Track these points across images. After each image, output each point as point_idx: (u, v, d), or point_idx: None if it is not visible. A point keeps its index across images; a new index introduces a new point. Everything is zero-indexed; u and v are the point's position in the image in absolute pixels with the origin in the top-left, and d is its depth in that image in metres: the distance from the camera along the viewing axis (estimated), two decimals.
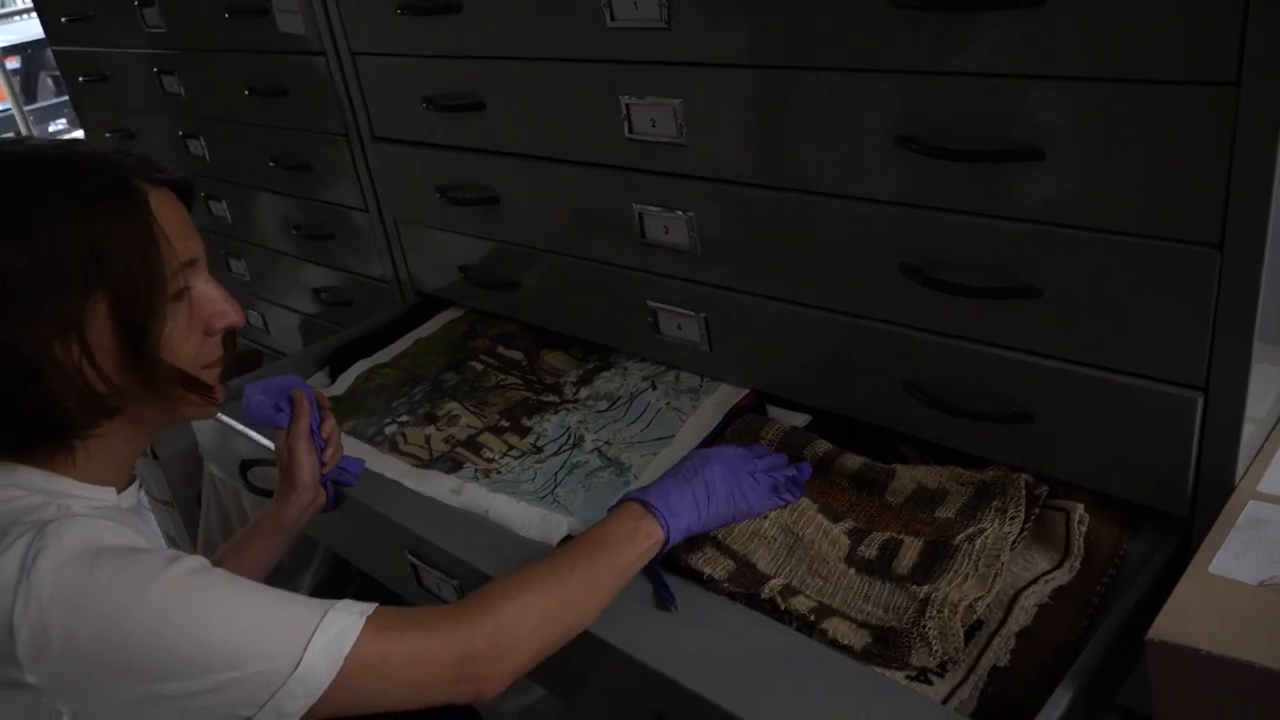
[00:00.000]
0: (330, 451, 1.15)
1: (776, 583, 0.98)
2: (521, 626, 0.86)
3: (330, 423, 1.16)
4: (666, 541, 0.97)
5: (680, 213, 1.20)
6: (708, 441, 1.21)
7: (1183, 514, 0.95)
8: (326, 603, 0.80)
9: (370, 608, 0.81)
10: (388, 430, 1.36)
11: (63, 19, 2.21)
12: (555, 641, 0.89)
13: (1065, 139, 0.87)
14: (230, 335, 0.92)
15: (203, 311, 0.88)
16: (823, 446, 1.15)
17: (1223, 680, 0.72)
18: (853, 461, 1.13)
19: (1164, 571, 0.93)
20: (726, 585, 1.00)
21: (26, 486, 0.79)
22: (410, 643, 0.81)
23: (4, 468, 0.80)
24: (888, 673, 0.90)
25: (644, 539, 0.95)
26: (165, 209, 0.84)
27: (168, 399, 0.84)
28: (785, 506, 1.06)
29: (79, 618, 0.71)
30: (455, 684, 0.83)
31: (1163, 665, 0.75)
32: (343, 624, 0.78)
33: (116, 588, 0.72)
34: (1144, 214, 0.85)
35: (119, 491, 0.87)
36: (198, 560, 0.78)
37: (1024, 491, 1.01)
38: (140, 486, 0.93)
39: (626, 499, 1.00)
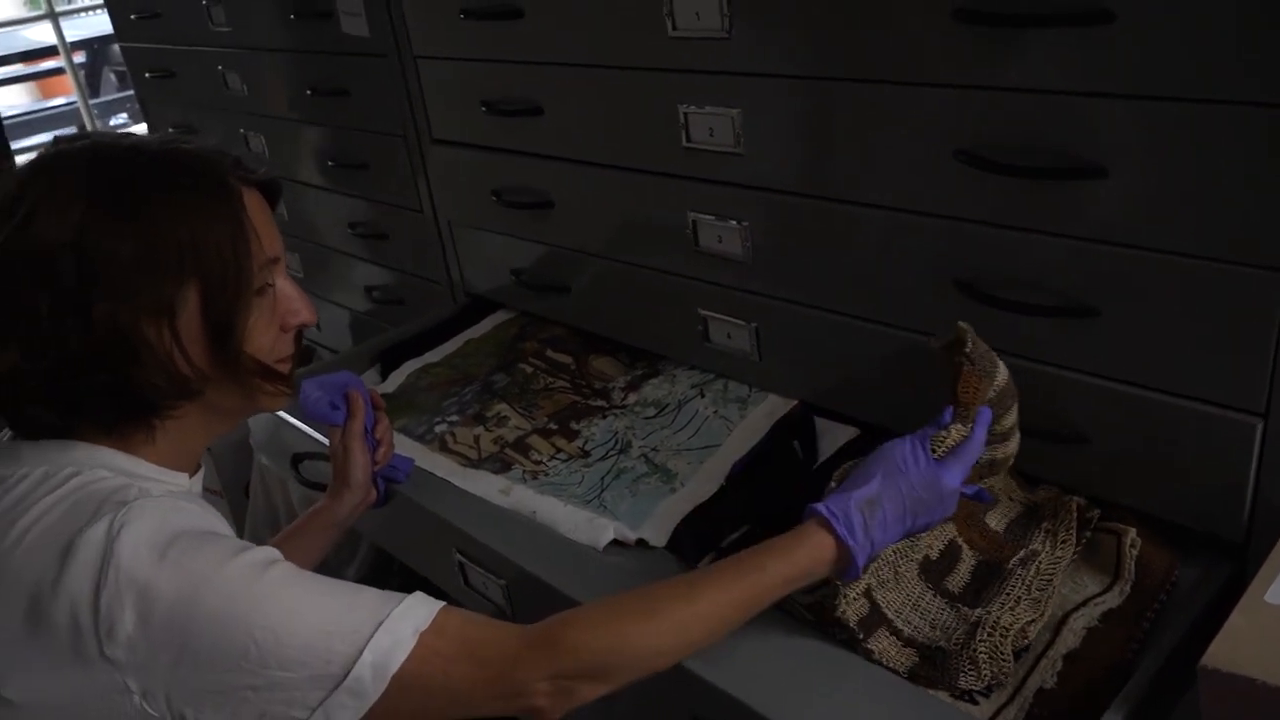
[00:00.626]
0: (383, 450, 1.17)
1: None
2: (615, 668, 0.82)
3: (384, 423, 1.18)
4: (845, 570, 0.88)
5: (734, 222, 1.20)
6: (752, 454, 1.21)
7: (1238, 540, 0.94)
8: (389, 604, 0.78)
9: (428, 619, 0.79)
10: (438, 429, 1.38)
11: (132, 15, 2.26)
12: (658, 664, 0.84)
13: (1128, 157, 0.86)
14: (299, 332, 0.95)
15: (281, 308, 0.91)
16: None
17: (1277, 711, 0.71)
18: None
19: (1217, 598, 0.92)
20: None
21: (111, 468, 0.82)
22: (457, 676, 0.79)
23: (90, 448, 0.83)
24: (932, 691, 0.90)
25: (820, 570, 0.87)
26: (255, 207, 0.88)
27: (246, 388, 0.87)
28: None
29: (149, 599, 0.72)
30: (505, 708, 0.82)
31: (1215, 694, 0.74)
32: (398, 635, 0.77)
33: (188, 574, 0.74)
34: (1206, 236, 0.85)
35: (190, 477, 0.90)
36: (268, 552, 0.79)
37: (1075, 516, 1.00)
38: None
39: (829, 514, 0.86)
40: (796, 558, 0.86)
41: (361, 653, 0.76)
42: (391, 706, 0.77)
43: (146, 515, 0.76)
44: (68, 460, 0.81)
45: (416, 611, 0.79)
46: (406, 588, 0.84)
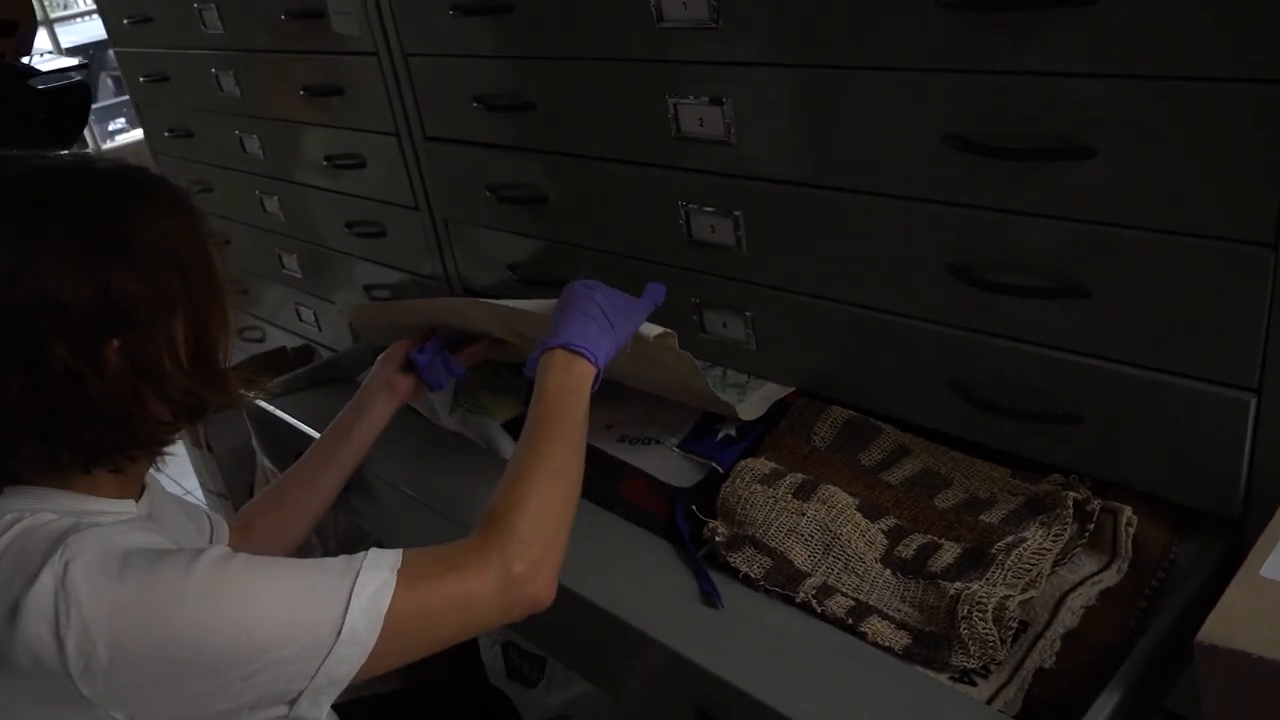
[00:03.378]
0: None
1: (813, 582, 0.99)
2: (543, 528, 0.88)
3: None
4: (598, 375, 1.02)
5: (727, 212, 1.20)
6: (759, 436, 1.22)
7: (1234, 517, 0.94)
8: (355, 561, 0.81)
9: (397, 559, 0.82)
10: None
11: (125, 20, 2.26)
12: (570, 519, 0.93)
13: (1116, 137, 0.86)
14: None
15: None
16: (889, 440, 1.16)
17: (1273, 685, 0.72)
18: (913, 465, 1.13)
19: (1214, 575, 0.92)
20: (763, 584, 1.00)
21: (57, 509, 0.80)
22: (448, 588, 0.82)
23: (33, 491, 0.81)
24: (931, 673, 0.90)
25: (583, 382, 1.00)
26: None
27: (225, 401, 0.87)
28: (823, 504, 1.06)
29: (121, 625, 0.71)
30: (507, 609, 0.85)
31: (1212, 669, 0.74)
32: (376, 582, 0.79)
33: (152, 589, 0.73)
34: (1196, 213, 0.85)
35: (136, 501, 0.89)
36: (220, 550, 0.79)
37: (1071, 509, 1.00)
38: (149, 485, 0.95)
39: (545, 349, 1.02)
40: (574, 378, 0.99)
41: (348, 605, 0.77)
42: (393, 645, 0.78)
43: (88, 543, 0.74)
44: (8, 507, 0.79)
45: (384, 557, 0.82)
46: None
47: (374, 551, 0.83)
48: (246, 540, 1.15)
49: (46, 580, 0.72)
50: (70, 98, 1.00)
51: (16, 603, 0.71)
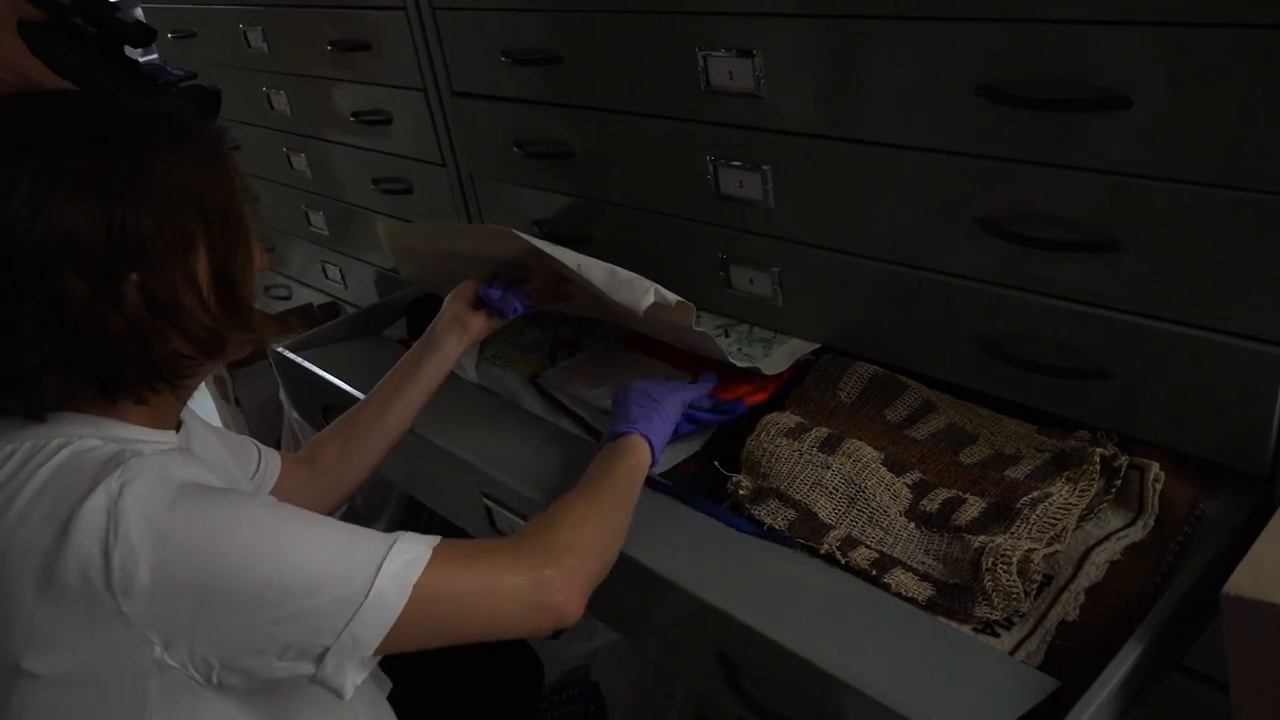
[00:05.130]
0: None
1: (837, 534, 0.99)
2: (581, 543, 0.90)
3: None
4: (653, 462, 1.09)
5: (755, 167, 1.20)
6: (785, 390, 1.23)
7: (1263, 473, 0.94)
8: (394, 535, 0.82)
9: (435, 539, 0.84)
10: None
11: None
12: (610, 555, 0.94)
13: (1152, 87, 0.85)
14: None
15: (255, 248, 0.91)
16: (915, 396, 1.16)
17: None
18: (939, 420, 1.13)
19: (1242, 530, 0.92)
20: (788, 534, 1.01)
21: (101, 435, 0.82)
22: (479, 573, 0.84)
23: (76, 418, 0.82)
24: (954, 624, 0.91)
25: (641, 469, 1.05)
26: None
27: (249, 338, 0.89)
28: (848, 458, 1.06)
29: (165, 549, 0.73)
30: (533, 609, 0.85)
31: (1237, 621, 0.75)
32: (410, 554, 0.80)
33: (199, 520, 0.75)
34: (1231, 165, 0.84)
35: (176, 433, 0.91)
36: (268, 498, 0.82)
37: (1098, 465, 0.99)
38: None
39: (622, 434, 1.08)
40: (634, 466, 1.04)
41: (381, 566, 0.78)
42: (418, 620, 0.79)
43: (146, 470, 0.76)
44: (54, 432, 0.81)
45: (423, 537, 0.83)
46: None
47: (414, 534, 0.84)
48: (309, 472, 1.16)
49: (100, 498, 0.74)
50: (208, 101, 1.02)
51: (69, 519, 0.74)
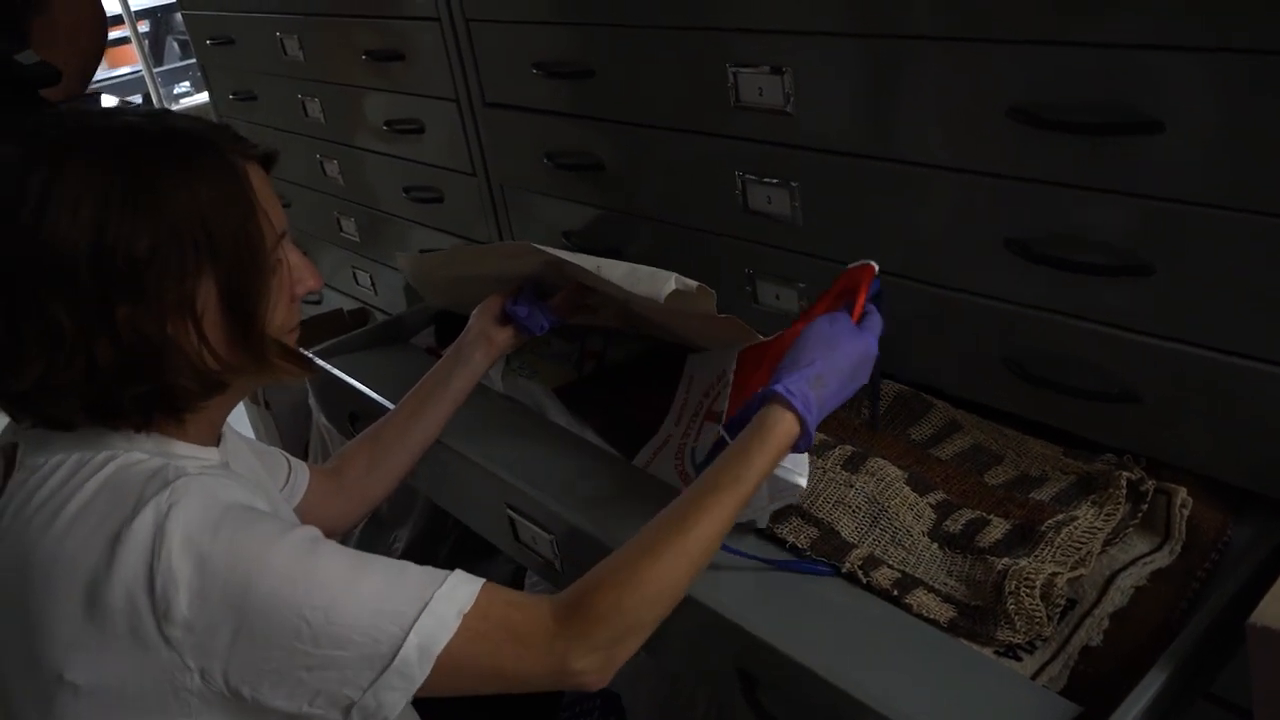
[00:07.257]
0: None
1: (859, 553, 0.99)
2: (627, 626, 0.83)
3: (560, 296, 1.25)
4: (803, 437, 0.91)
5: (784, 183, 1.20)
6: None
7: None
8: (431, 584, 0.80)
9: (469, 600, 0.80)
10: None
11: None
12: (668, 609, 0.87)
13: (1185, 111, 0.85)
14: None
15: (290, 280, 0.89)
16: (940, 415, 1.15)
17: None
18: (964, 441, 1.12)
19: (1270, 558, 0.91)
20: (810, 553, 1.00)
21: (146, 450, 0.82)
22: (502, 658, 0.81)
23: (125, 435, 0.82)
24: (975, 646, 0.90)
25: (773, 459, 0.90)
26: (259, 182, 0.85)
27: (269, 371, 0.87)
28: (872, 476, 1.06)
29: (206, 572, 0.74)
30: (556, 683, 0.83)
31: (1263, 652, 0.74)
32: (439, 622, 0.78)
33: (238, 554, 0.75)
34: (1263, 190, 0.83)
35: (216, 449, 0.91)
36: (311, 531, 0.81)
37: (1124, 488, 0.99)
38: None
39: (774, 397, 0.90)
40: (769, 448, 0.89)
41: (408, 634, 0.77)
42: (441, 686, 0.79)
43: (193, 493, 0.76)
44: (102, 444, 0.81)
45: (459, 592, 0.80)
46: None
47: (455, 577, 0.81)
48: (337, 485, 1.16)
49: (149, 516, 0.74)
50: None
51: (119, 534, 0.74)
